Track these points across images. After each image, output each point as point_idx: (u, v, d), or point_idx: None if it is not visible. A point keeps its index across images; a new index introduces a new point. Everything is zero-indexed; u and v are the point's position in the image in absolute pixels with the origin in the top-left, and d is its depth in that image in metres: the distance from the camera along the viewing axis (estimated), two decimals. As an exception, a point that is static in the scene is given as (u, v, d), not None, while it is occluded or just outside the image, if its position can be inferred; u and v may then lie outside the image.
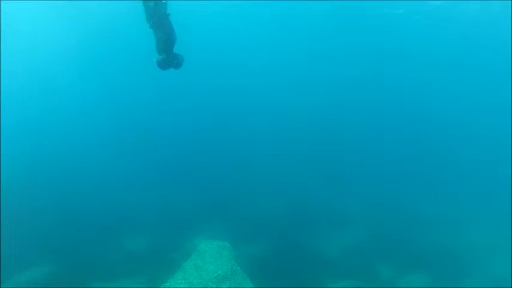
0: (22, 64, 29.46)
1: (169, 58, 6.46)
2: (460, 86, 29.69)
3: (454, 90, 29.38)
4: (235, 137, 20.49)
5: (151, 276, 10.67)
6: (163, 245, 12.05)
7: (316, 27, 27.29)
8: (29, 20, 25.99)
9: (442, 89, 29.44)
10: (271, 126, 22.54)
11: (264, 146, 19.89)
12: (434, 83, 30.16)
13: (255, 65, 30.87)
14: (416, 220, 14.33)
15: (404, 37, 28.02)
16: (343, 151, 19.82)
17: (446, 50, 29.03)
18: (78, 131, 21.76)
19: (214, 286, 10.21)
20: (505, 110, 25.49)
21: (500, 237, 13.39)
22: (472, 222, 14.36)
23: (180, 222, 13.19)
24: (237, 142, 20.10)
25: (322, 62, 30.99)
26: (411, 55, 30.32)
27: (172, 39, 6.43)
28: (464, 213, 14.93)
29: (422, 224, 14.10)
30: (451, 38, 26.47)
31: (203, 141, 19.93)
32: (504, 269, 11.81)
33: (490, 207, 15.16)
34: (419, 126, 24.60)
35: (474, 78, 30.08)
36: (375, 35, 27.98)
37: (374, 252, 12.27)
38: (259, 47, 31.58)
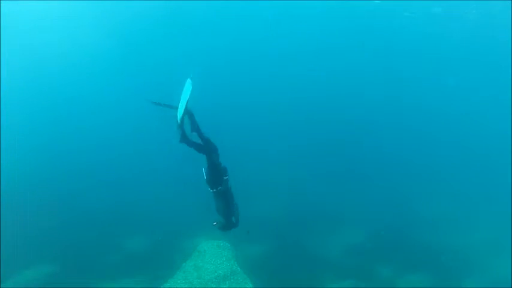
0: (22, 64, 29.42)
1: (229, 223, 6.92)
2: (460, 84, 29.62)
3: (453, 89, 29.31)
4: (235, 137, 20.45)
5: (152, 276, 10.69)
6: (163, 245, 12.06)
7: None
8: (28, 20, 26.00)
9: (441, 88, 29.36)
10: (272, 126, 22.48)
11: (264, 145, 19.85)
12: (433, 82, 30.10)
13: (253, 63, 30.83)
14: (417, 220, 14.31)
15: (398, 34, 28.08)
16: (343, 151, 19.77)
17: (445, 49, 29.03)
18: (78, 131, 21.71)
19: (214, 286, 10.23)
20: (505, 109, 25.45)
21: (500, 237, 13.39)
22: (472, 222, 14.35)
23: (180, 222, 13.18)
24: (237, 142, 20.07)
25: (318, 61, 30.89)
26: (409, 53, 30.33)
27: (232, 209, 6.91)
28: (464, 213, 14.90)
29: (422, 224, 14.08)
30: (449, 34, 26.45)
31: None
32: (504, 269, 11.80)
33: (490, 207, 15.15)
34: (419, 126, 24.53)
35: (473, 77, 30.05)
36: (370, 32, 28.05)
37: (374, 252, 12.27)
38: (258, 46, 31.57)
